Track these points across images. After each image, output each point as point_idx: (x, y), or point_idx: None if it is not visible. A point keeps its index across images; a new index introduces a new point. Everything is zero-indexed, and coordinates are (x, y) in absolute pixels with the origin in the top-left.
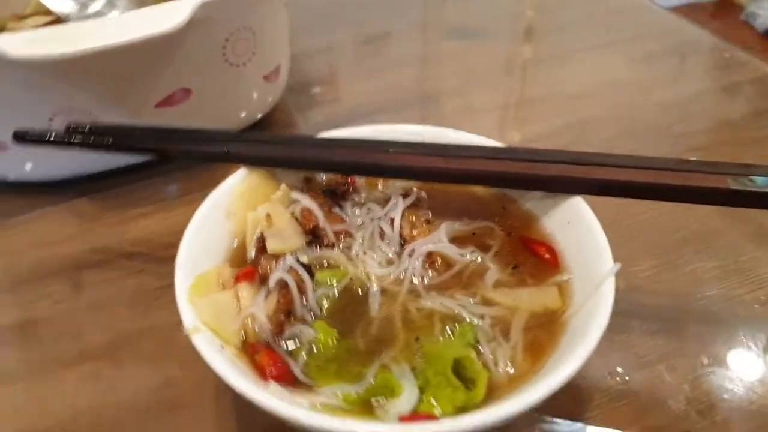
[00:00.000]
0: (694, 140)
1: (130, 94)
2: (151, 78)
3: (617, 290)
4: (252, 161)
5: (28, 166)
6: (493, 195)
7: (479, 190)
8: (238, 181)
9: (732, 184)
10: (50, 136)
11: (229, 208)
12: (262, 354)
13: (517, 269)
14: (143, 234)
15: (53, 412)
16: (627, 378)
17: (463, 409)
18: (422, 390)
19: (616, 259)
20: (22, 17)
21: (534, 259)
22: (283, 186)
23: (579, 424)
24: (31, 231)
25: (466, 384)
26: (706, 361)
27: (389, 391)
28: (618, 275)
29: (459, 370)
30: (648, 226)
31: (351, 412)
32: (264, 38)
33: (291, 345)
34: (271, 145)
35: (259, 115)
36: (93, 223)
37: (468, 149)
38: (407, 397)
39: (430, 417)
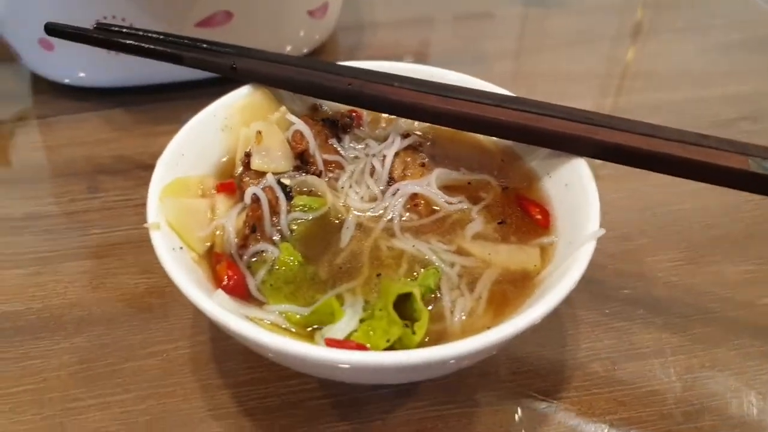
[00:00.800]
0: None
1: (171, 8)
2: None
3: (627, 275)
4: (256, 78)
5: (80, 73)
6: (499, 149)
7: (486, 141)
8: (240, 97)
9: (752, 166)
10: (78, 32)
11: (226, 122)
12: (222, 264)
13: (503, 224)
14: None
15: (49, 299)
16: (616, 367)
17: (395, 346)
18: (364, 321)
19: (637, 245)
20: None
21: (525, 217)
22: (283, 108)
23: (549, 404)
24: (69, 131)
25: (410, 322)
26: (706, 364)
27: (330, 317)
28: (634, 262)
29: (405, 309)
30: (680, 218)
31: (290, 332)
32: None
33: (254, 261)
34: (278, 64)
35: (305, 50)
36: (123, 133)
37: (472, 93)
38: (343, 324)
39: (359, 346)
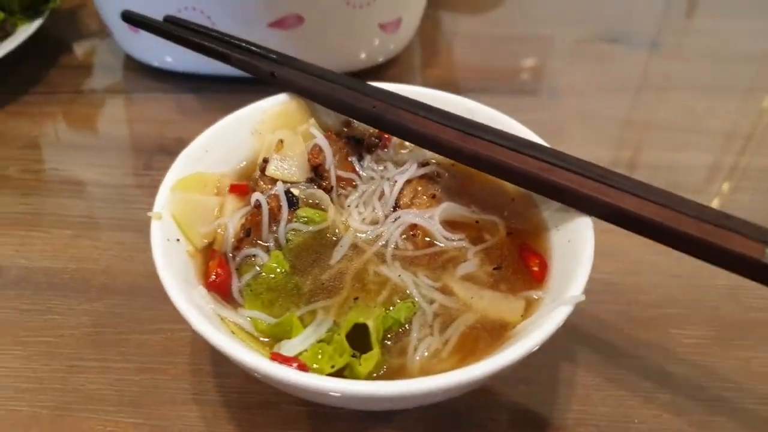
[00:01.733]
0: None
1: (246, 7)
2: None
3: (645, 344)
4: (292, 88)
5: (160, 56)
6: (517, 192)
7: (507, 183)
8: (275, 103)
9: (767, 256)
10: (147, 22)
11: (257, 126)
12: (215, 261)
13: (498, 270)
14: None
15: (83, 262)
16: None
17: (345, 375)
18: (321, 342)
19: (664, 313)
20: None
21: (522, 267)
22: (312, 120)
23: None
24: (142, 108)
25: (359, 354)
26: None
27: (288, 332)
28: (657, 331)
29: (366, 338)
30: (718, 293)
31: (253, 339)
32: None
33: (244, 264)
34: (315, 78)
35: (380, 59)
36: (188, 117)
37: (495, 133)
38: (297, 342)
39: (300, 366)
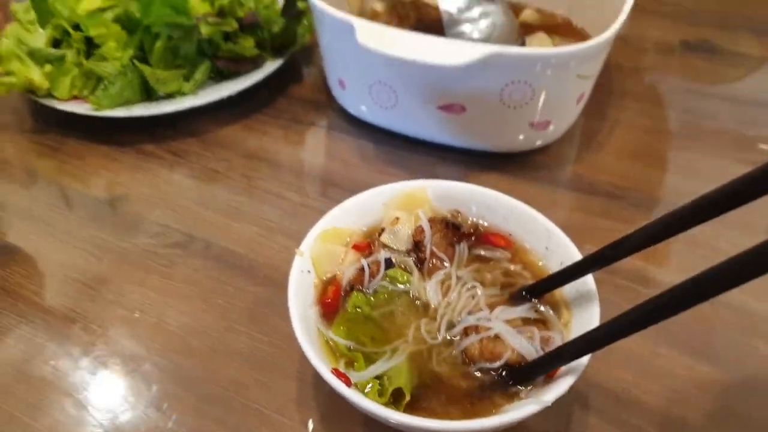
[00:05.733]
0: None
1: (423, 91)
2: (440, 85)
3: None
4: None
5: (360, 108)
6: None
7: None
8: (404, 188)
9: None
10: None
11: (387, 201)
12: (333, 289)
13: None
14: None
15: (261, 254)
16: None
17: None
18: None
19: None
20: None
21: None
22: (426, 207)
23: None
24: (332, 145)
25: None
26: None
27: (356, 363)
28: None
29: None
30: None
31: (333, 354)
32: (542, 95)
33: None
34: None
35: (530, 148)
36: (363, 162)
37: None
38: (358, 374)
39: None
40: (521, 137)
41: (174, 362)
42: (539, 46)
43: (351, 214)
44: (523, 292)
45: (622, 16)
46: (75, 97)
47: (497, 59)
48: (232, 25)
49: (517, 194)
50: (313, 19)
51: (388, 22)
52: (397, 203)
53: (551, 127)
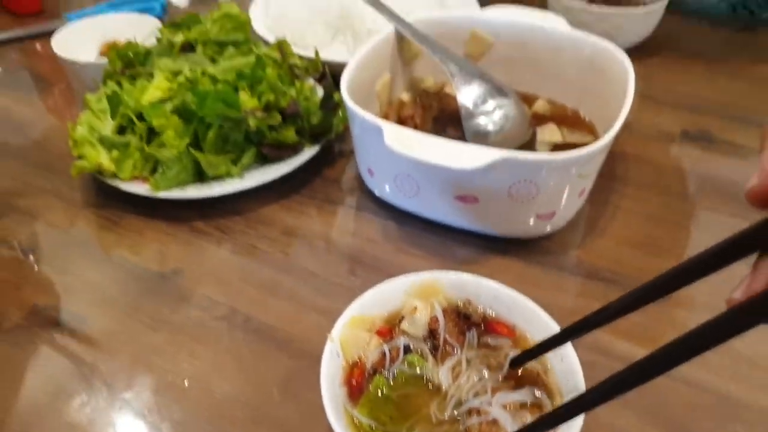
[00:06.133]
0: None
1: (441, 184)
2: (456, 180)
3: None
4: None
5: (386, 194)
6: None
7: None
8: (423, 278)
9: None
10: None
11: (408, 290)
12: (359, 371)
13: None
14: (400, 268)
15: (291, 325)
16: None
17: None
18: None
19: None
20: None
21: None
22: (440, 296)
23: None
24: (358, 224)
25: None
26: None
27: None
28: None
29: None
30: None
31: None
32: (547, 193)
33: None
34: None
35: (537, 235)
36: (387, 242)
37: None
38: None
39: None
40: (528, 226)
41: (219, 429)
42: (549, 138)
43: (375, 303)
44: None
45: (619, 123)
46: (135, 178)
47: (506, 163)
48: (277, 119)
49: (526, 278)
50: (347, 114)
51: (413, 111)
52: (416, 292)
53: (556, 217)
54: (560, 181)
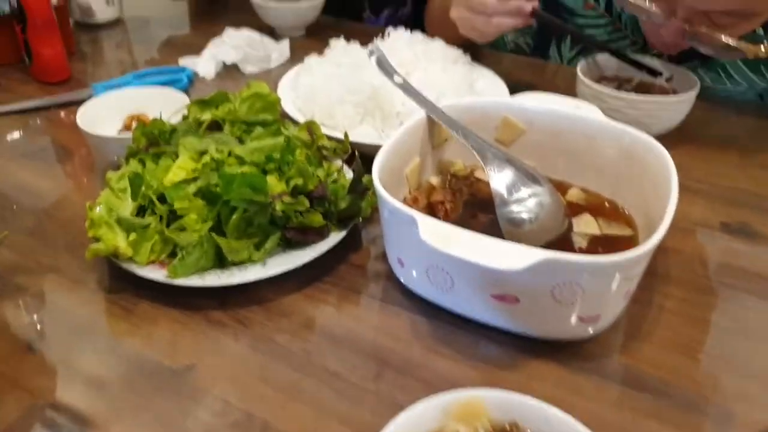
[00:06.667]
0: None
1: (478, 282)
2: (495, 279)
3: None
4: None
5: (416, 283)
6: None
7: None
8: (462, 396)
9: None
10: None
11: (447, 409)
12: None
13: None
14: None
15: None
16: None
17: None
18: None
19: None
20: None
21: None
22: (484, 419)
23: None
24: (384, 318)
25: None
26: None
27: None
28: None
29: None
30: None
31: None
32: (591, 295)
33: None
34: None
35: (575, 338)
36: (416, 340)
37: None
38: None
39: None
40: (570, 328)
41: None
42: (585, 229)
43: (410, 426)
44: None
45: (666, 222)
46: (152, 262)
47: (550, 264)
48: (304, 204)
49: (566, 385)
50: (377, 199)
51: (443, 196)
52: (457, 413)
53: (600, 321)
54: (606, 283)
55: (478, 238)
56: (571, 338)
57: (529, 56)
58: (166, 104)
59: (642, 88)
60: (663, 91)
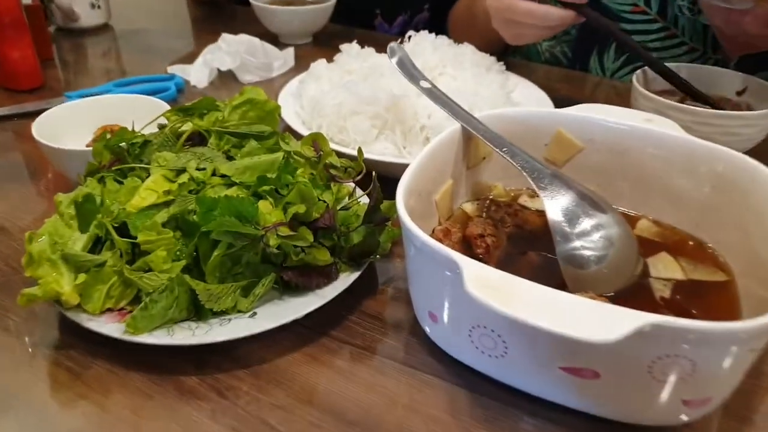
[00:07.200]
0: None
1: (543, 350)
2: (568, 348)
3: None
4: None
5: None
6: None
7: None
8: None
9: None
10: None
11: None
12: None
13: None
14: None
15: None
16: None
17: None
18: None
19: None
20: None
21: None
22: None
23: None
24: (414, 389)
25: None
26: None
27: None
28: None
29: None
30: None
31: None
32: (706, 374)
33: None
34: None
35: (668, 425)
36: (454, 417)
37: None
38: None
39: None
40: (665, 413)
41: None
42: (665, 273)
43: None
44: None
45: None
46: (109, 310)
47: (655, 332)
48: (307, 238)
49: None
50: (402, 233)
51: (484, 229)
52: None
53: (709, 404)
54: (728, 357)
55: (549, 292)
56: (663, 424)
57: (565, 67)
58: (146, 115)
59: (703, 100)
60: (734, 106)
